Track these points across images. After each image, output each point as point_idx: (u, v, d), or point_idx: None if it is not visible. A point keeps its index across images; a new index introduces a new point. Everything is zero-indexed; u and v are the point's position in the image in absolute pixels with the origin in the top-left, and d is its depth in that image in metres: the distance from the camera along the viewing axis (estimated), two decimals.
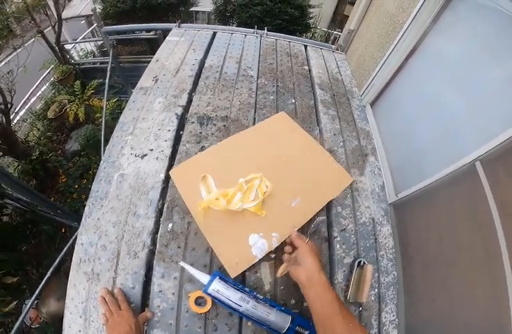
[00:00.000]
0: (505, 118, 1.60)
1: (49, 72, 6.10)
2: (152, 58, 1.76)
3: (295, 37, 2.26)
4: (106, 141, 1.34)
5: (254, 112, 1.43)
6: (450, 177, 1.88)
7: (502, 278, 1.34)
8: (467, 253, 1.66)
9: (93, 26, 8.26)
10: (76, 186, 4.08)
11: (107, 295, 0.88)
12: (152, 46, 4.62)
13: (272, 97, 1.53)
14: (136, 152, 1.18)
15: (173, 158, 1.17)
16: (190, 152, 1.17)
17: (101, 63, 5.55)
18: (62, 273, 2.95)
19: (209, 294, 0.81)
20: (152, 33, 4.26)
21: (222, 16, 6.94)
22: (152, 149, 1.18)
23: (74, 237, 2.49)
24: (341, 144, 1.38)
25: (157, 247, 0.96)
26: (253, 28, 2.17)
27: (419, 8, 2.33)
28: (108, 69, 2.53)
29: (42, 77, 6.06)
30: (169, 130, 1.25)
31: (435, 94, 2.26)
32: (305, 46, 2.10)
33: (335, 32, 9.07)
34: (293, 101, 1.55)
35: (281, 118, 1.35)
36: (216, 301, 0.81)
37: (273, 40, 2.07)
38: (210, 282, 0.82)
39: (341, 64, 2.02)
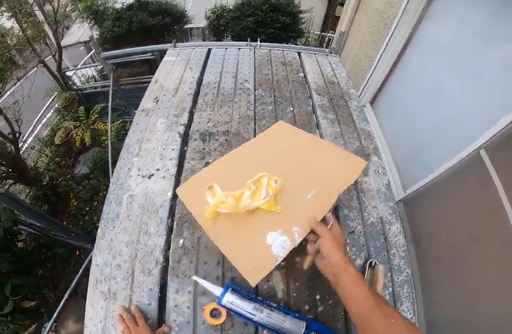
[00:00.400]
0: (503, 103, 1.62)
1: (52, 100, 6.27)
2: (151, 78, 1.82)
3: (288, 45, 2.31)
4: (114, 163, 1.38)
5: (254, 124, 1.46)
6: (457, 168, 1.89)
7: None
8: (480, 242, 1.66)
9: (91, 52, 8.49)
10: (88, 208, 4.16)
11: (124, 312, 0.90)
12: (151, 66, 4.76)
13: (270, 108, 1.57)
14: (143, 172, 1.22)
15: (179, 176, 1.20)
16: (196, 169, 1.21)
17: (103, 87, 5.69)
18: (79, 295, 2.98)
19: (224, 306, 0.83)
20: (149, 54, 4.38)
21: (216, 30, 7.12)
22: (158, 169, 1.22)
23: (88, 259, 2.53)
24: (342, 146, 1.40)
25: (170, 263, 0.98)
26: (247, 39, 2.22)
27: (408, 1, 2.37)
28: (110, 93, 2.61)
29: (46, 105, 6.23)
30: (173, 149, 1.29)
31: (433, 85, 2.29)
32: (299, 53, 2.13)
33: (328, 34, 9.17)
34: (292, 109, 1.58)
35: (279, 125, 1.33)
36: (231, 312, 0.83)
37: (266, 50, 2.11)
38: (223, 294, 0.84)
39: (336, 67, 2.04)
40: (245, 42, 2.20)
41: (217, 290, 0.86)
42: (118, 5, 7.05)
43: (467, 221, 1.80)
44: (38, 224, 2.91)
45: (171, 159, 1.25)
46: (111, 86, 2.59)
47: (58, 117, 6.06)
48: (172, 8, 6.31)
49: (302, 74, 1.89)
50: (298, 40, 7.86)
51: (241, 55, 2.03)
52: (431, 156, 2.23)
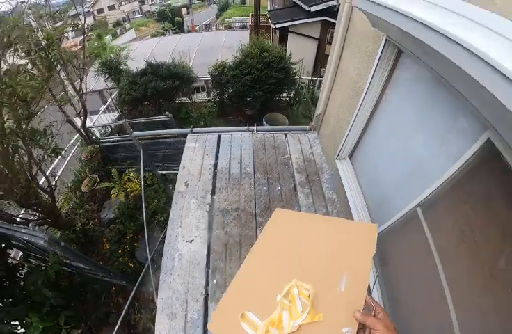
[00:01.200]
0: (437, 169, 1.83)
1: (75, 149, 7.16)
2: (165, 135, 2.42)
3: (278, 127, 3.01)
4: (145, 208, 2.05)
5: (255, 201, 2.17)
6: (403, 220, 2.24)
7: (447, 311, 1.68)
8: (426, 285, 1.96)
9: (108, 102, 9.49)
10: (120, 251, 4.88)
11: None
12: (165, 126, 5.60)
13: (265, 188, 2.28)
14: (185, 238, 1.97)
15: (210, 241, 1.94)
16: (220, 236, 1.95)
17: (120, 141, 6.52)
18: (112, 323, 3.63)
19: None
20: (163, 116, 5.24)
21: (219, 84, 8.16)
22: (196, 236, 1.97)
23: (131, 296, 3.22)
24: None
25: (209, 294, 1.69)
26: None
27: (372, 76, 2.78)
28: (141, 165, 3.36)
29: (70, 154, 7.09)
30: (204, 222, 2.05)
31: (391, 145, 2.71)
32: (286, 135, 2.82)
33: (319, 78, 10.09)
34: (279, 187, 2.27)
35: (278, 215, 1.36)
36: None
37: (261, 135, 2.83)
38: None
39: (313, 143, 2.72)
40: (245, 127, 2.95)
41: None
42: (133, 66, 8.13)
43: (413, 265, 2.14)
44: (83, 266, 3.62)
45: (203, 229, 2.01)
46: (142, 161, 3.33)
47: (81, 164, 6.88)
48: (180, 71, 7.28)
49: (287, 156, 2.59)
50: (292, 87, 8.86)
51: (243, 140, 2.76)
52: (390, 205, 2.62)
